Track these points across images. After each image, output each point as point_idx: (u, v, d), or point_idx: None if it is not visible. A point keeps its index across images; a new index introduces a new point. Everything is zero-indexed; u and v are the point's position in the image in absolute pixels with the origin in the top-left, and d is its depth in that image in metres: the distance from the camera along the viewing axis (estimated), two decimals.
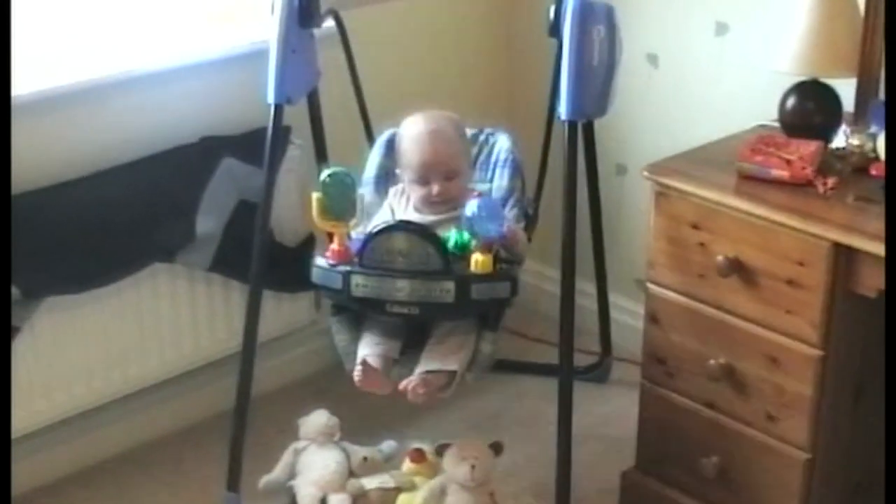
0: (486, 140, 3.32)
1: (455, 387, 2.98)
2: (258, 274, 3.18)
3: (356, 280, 2.93)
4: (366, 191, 3.23)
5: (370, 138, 3.46)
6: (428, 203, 3.10)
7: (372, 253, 2.93)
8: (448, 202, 3.08)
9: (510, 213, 3.17)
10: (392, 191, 3.23)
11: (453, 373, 2.96)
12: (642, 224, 3.20)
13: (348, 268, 2.95)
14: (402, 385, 2.93)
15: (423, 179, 3.09)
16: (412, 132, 3.13)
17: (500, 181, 3.24)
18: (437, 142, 3.08)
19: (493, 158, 3.29)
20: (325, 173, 3.00)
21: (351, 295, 2.95)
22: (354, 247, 2.98)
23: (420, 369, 2.97)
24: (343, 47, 3.39)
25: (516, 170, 3.25)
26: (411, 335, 3.07)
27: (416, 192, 3.12)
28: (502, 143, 3.29)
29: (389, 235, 2.93)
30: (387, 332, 3.05)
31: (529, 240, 3.23)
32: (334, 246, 2.99)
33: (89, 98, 3.19)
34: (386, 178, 3.28)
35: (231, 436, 3.19)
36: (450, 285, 2.89)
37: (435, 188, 3.07)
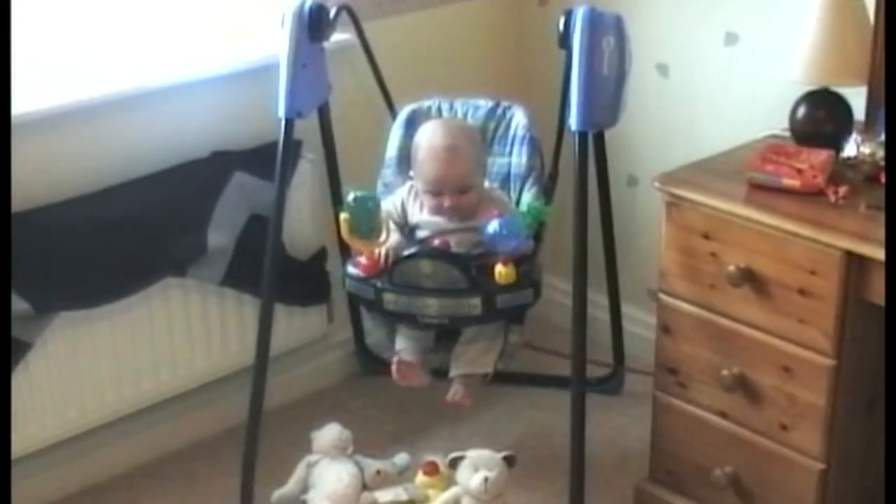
0: (503, 114, 3.38)
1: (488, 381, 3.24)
2: (270, 287, 3.18)
3: (388, 297, 3.08)
4: (388, 171, 3.36)
5: (392, 112, 3.48)
6: (440, 213, 3.16)
7: (400, 274, 3.07)
8: (459, 213, 3.14)
9: (530, 191, 3.27)
10: (408, 185, 3.28)
11: (487, 373, 3.18)
12: (654, 235, 3.19)
13: (379, 284, 3.08)
14: (448, 397, 3.18)
15: (437, 192, 3.14)
16: (429, 145, 3.17)
17: (520, 158, 3.32)
18: (453, 159, 3.13)
19: (510, 134, 3.36)
20: (350, 196, 3.10)
21: (383, 308, 3.11)
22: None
23: (455, 372, 3.17)
24: (357, 35, 3.38)
25: (535, 147, 3.32)
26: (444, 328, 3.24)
27: (428, 201, 3.18)
28: (519, 119, 3.35)
29: (416, 261, 3.06)
30: (420, 327, 3.21)
31: (549, 203, 3.30)
32: (363, 259, 3.11)
33: (100, 114, 3.20)
34: (407, 157, 3.32)
35: (244, 450, 3.20)
36: (476, 301, 3.04)
37: (447, 202, 3.14)
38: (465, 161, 3.14)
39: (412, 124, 3.35)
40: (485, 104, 3.39)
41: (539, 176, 3.31)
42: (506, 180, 3.36)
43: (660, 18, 3.60)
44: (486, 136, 3.36)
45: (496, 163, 3.36)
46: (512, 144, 3.35)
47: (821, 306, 2.73)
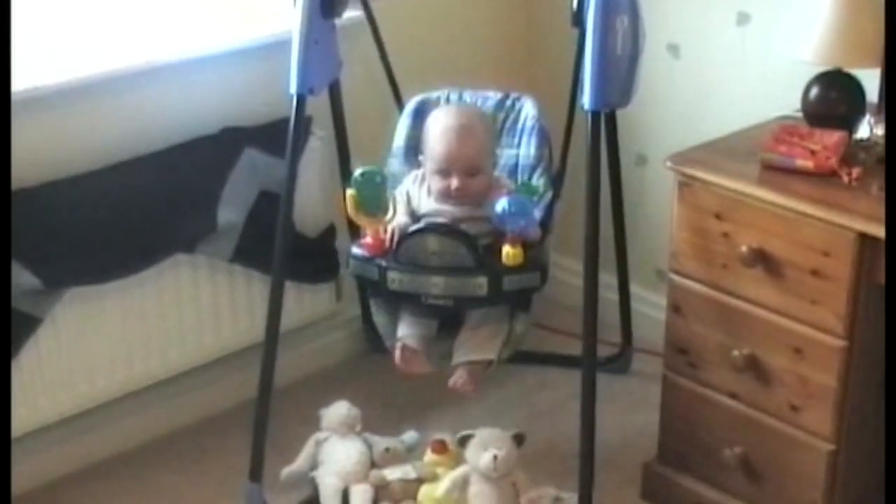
0: (513, 105, 3.36)
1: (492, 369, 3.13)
2: (281, 264, 3.18)
3: (392, 275, 3.05)
4: (395, 160, 3.33)
5: (399, 104, 3.47)
6: (447, 196, 3.12)
7: (406, 251, 3.04)
8: (467, 198, 3.11)
9: (539, 180, 3.25)
10: (412, 175, 3.26)
11: (491, 360, 3.10)
12: (662, 215, 3.19)
13: (384, 262, 3.05)
14: (450, 383, 3.10)
15: (445, 172, 3.11)
16: (442, 123, 3.15)
17: (528, 149, 3.30)
18: (465, 137, 3.10)
19: (519, 125, 3.33)
20: (357, 171, 3.09)
21: (387, 288, 3.07)
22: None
23: (458, 359, 3.10)
24: (367, 19, 3.38)
25: (543, 138, 3.30)
26: (448, 313, 3.17)
27: (435, 184, 3.14)
28: (528, 110, 3.33)
29: (422, 237, 3.03)
30: (424, 311, 3.16)
31: (558, 196, 3.26)
32: (368, 239, 3.09)
33: (111, 89, 3.19)
34: (415, 148, 3.30)
35: (253, 427, 3.19)
36: (482, 280, 3.00)
37: (454, 182, 3.10)
38: (476, 141, 3.12)
39: (420, 115, 3.32)
40: (494, 95, 3.37)
41: (547, 167, 3.29)
42: (514, 171, 3.33)
43: None
44: (496, 127, 3.34)
45: (504, 154, 3.32)
46: (521, 135, 3.32)
47: (833, 288, 2.73)
